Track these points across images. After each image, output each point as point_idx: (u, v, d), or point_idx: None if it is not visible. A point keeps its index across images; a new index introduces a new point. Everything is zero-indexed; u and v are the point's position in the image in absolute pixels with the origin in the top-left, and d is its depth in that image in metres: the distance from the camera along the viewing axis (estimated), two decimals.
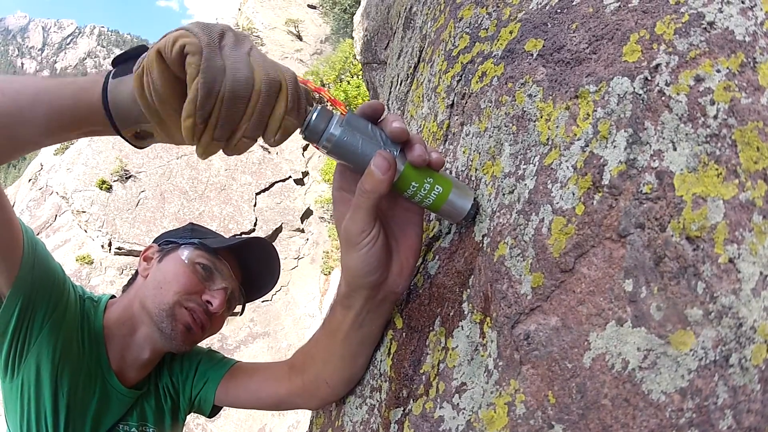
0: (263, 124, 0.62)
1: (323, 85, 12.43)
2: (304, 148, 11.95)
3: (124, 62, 0.66)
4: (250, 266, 1.17)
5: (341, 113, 0.66)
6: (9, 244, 0.87)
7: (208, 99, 0.57)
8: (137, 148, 0.71)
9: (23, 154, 0.72)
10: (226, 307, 1.09)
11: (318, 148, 0.66)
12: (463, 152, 0.77)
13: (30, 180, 11.74)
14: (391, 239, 0.73)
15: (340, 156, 0.66)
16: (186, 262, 1.06)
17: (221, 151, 0.64)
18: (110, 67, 0.67)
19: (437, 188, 0.66)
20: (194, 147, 0.62)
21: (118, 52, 0.71)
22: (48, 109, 0.65)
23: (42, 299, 0.93)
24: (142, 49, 0.65)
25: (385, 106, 0.70)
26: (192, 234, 1.18)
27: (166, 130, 0.64)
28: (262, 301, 9.22)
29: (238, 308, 1.18)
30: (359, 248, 0.68)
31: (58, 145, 11.35)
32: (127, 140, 0.68)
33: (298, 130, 0.66)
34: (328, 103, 0.70)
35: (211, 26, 0.60)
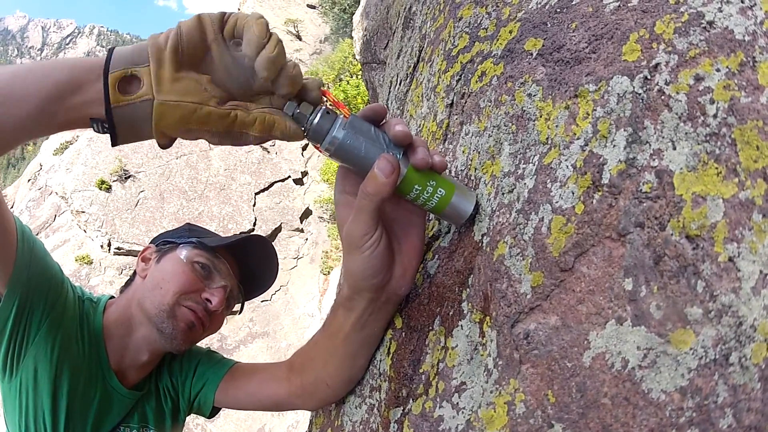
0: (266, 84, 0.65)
1: (323, 85, 12.43)
2: (303, 148, 11.95)
3: None
4: (248, 264, 1.17)
5: (344, 116, 0.66)
6: (2, 242, 0.86)
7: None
8: (115, 102, 0.64)
9: (18, 145, 0.69)
10: (226, 305, 1.09)
11: (321, 151, 0.67)
12: (463, 152, 0.77)
13: (29, 180, 11.74)
14: (393, 241, 0.73)
15: (342, 159, 0.66)
16: (184, 261, 1.06)
17: (226, 137, 0.67)
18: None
19: (440, 191, 0.66)
20: (194, 150, 0.63)
21: None
22: (42, 78, 0.63)
23: (39, 298, 0.93)
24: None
25: (387, 109, 0.70)
26: (189, 234, 1.18)
27: (159, 73, 0.63)
28: (262, 301, 9.22)
29: (237, 307, 1.18)
30: (362, 251, 0.68)
31: (57, 145, 11.36)
32: (108, 93, 0.63)
33: (302, 131, 0.66)
34: (330, 104, 0.70)
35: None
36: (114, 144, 0.67)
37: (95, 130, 0.65)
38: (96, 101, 0.63)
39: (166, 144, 0.67)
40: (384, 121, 0.68)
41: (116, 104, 0.63)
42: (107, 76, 0.62)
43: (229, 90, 0.66)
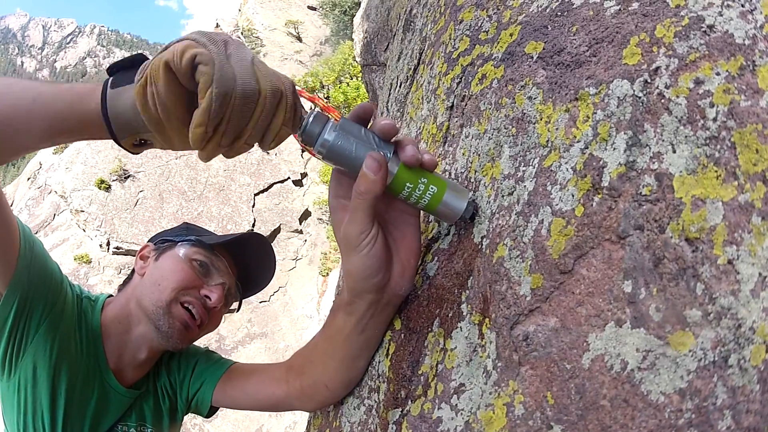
0: (264, 129, 0.64)
1: (323, 87, 12.44)
2: (303, 150, 11.95)
3: (120, 71, 0.67)
4: (246, 262, 1.17)
5: (335, 119, 0.68)
6: (5, 243, 0.86)
7: (221, 108, 0.58)
8: (133, 153, 0.72)
9: (19, 157, 0.73)
10: (224, 302, 1.09)
11: (314, 155, 0.68)
12: (463, 154, 0.77)
13: (29, 179, 11.73)
14: (390, 242, 0.73)
15: (335, 161, 0.68)
16: (183, 258, 1.06)
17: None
18: (106, 75, 0.68)
19: (432, 188, 0.67)
20: (194, 151, 0.64)
21: (118, 51, 0.73)
22: (45, 117, 0.66)
23: (39, 298, 0.93)
24: (140, 58, 0.66)
25: (375, 107, 0.71)
26: (188, 232, 1.18)
27: (167, 138, 0.65)
28: (260, 302, 9.21)
29: (235, 305, 1.19)
30: (359, 250, 0.68)
31: None
32: (124, 148, 0.69)
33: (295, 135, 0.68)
34: (322, 110, 0.71)
35: (214, 35, 0.61)
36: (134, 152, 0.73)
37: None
38: (105, 136, 0.68)
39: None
40: (373, 118, 0.69)
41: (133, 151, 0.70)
42: (118, 141, 0.67)
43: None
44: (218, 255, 1.10)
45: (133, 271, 1.15)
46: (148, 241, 1.19)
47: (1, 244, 0.86)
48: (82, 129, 0.68)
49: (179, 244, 1.10)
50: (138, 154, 0.72)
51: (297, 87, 0.67)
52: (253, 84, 0.60)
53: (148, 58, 0.65)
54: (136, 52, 0.69)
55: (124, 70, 0.66)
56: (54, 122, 0.67)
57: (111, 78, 0.66)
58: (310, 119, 0.66)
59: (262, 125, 0.63)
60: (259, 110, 0.61)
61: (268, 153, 11.32)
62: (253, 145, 0.65)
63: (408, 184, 0.67)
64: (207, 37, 0.60)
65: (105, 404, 1.04)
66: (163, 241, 1.14)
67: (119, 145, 0.68)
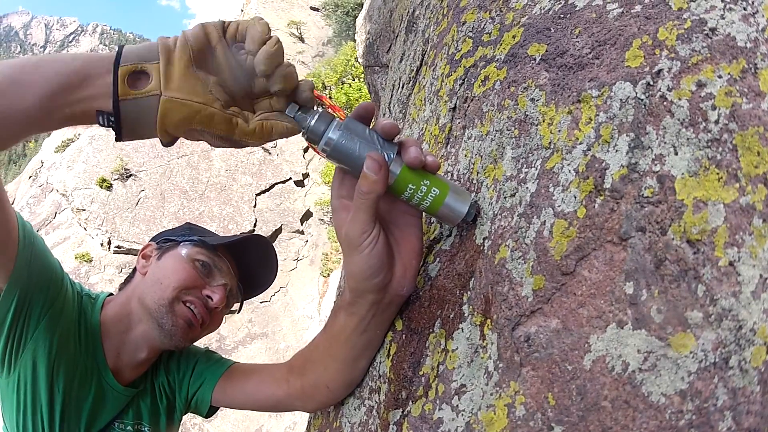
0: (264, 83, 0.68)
1: (325, 88, 12.45)
2: (305, 150, 11.96)
3: None
4: (248, 263, 1.17)
5: (340, 118, 0.69)
6: (3, 239, 0.86)
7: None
8: (123, 95, 0.65)
9: (18, 133, 0.68)
10: (225, 303, 1.09)
11: (318, 152, 0.69)
12: (465, 155, 0.77)
13: (30, 177, 11.75)
14: (392, 243, 0.73)
15: (339, 159, 0.68)
16: (185, 258, 1.06)
17: (231, 133, 0.69)
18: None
19: (434, 190, 0.67)
20: (191, 142, 0.66)
21: None
22: (51, 68, 0.65)
23: (39, 294, 0.93)
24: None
25: (376, 107, 0.72)
26: (190, 232, 1.18)
27: (168, 70, 0.65)
28: (261, 302, 9.21)
29: (236, 306, 1.19)
30: (361, 250, 0.69)
31: (58, 143, 11.37)
32: (116, 86, 0.64)
33: (301, 132, 0.69)
34: (329, 109, 0.72)
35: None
36: (118, 139, 0.68)
37: (101, 124, 0.66)
38: (104, 95, 0.64)
39: (169, 142, 0.69)
40: (375, 118, 0.70)
41: (124, 97, 0.64)
42: (117, 69, 0.64)
43: (232, 93, 0.68)
44: (221, 256, 1.11)
45: (134, 269, 1.15)
46: (150, 240, 1.19)
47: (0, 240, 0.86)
48: (86, 71, 0.65)
49: (182, 243, 1.10)
50: (127, 96, 0.65)
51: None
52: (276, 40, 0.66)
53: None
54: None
55: None
56: (61, 78, 0.64)
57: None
58: (316, 117, 0.67)
59: (262, 79, 0.67)
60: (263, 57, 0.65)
61: (269, 153, 11.33)
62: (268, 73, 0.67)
63: (410, 186, 0.67)
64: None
65: (102, 402, 1.04)
66: (166, 241, 1.14)
67: (114, 77, 0.64)
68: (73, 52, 0.69)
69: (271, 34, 0.66)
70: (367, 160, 0.65)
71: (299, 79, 0.70)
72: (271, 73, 0.66)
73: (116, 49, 0.67)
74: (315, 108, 0.70)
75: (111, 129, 0.67)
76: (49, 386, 0.95)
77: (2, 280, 0.89)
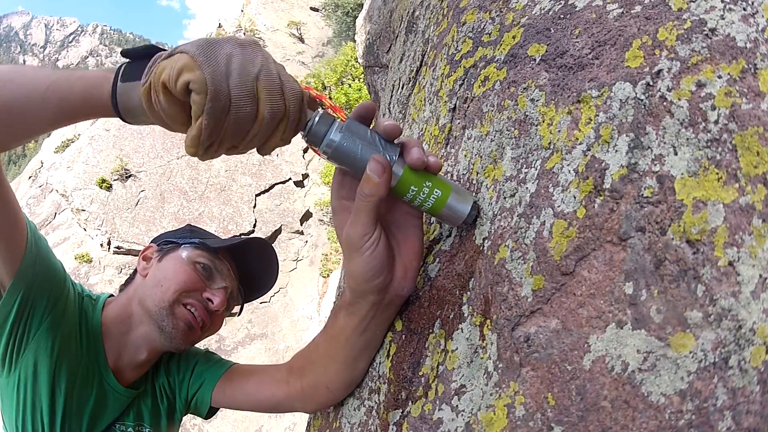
0: (261, 144, 0.65)
1: (324, 88, 12.45)
2: (305, 151, 11.96)
3: (133, 60, 0.68)
4: (249, 267, 1.17)
5: (341, 119, 0.67)
6: (13, 236, 0.87)
7: (211, 134, 0.60)
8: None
9: (29, 140, 0.75)
10: (226, 306, 1.09)
11: (319, 154, 0.68)
12: (465, 156, 0.77)
13: (30, 177, 11.76)
14: (392, 243, 0.73)
15: (340, 161, 0.68)
16: (186, 260, 1.06)
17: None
18: (120, 59, 0.69)
19: (436, 192, 0.67)
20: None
21: (120, 51, 0.72)
22: (59, 102, 0.69)
23: (42, 294, 0.93)
24: (152, 49, 0.66)
25: (377, 107, 0.71)
26: (191, 234, 1.18)
27: (174, 130, 0.66)
28: (261, 303, 9.21)
29: (236, 308, 1.19)
30: (362, 251, 0.68)
31: (58, 143, 11.38)
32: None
33: (300, 134, 0.68)
34: (329, 110, 0.71)
35: (218, 49, 0.60)
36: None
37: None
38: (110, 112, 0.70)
39: None
40: (375, 118, 0.69)
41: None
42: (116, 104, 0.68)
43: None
44: (221, 259, 1.11)
45: (135, 271, 1.15)
46: (151, 242, 1.19)
47: (9, 238, 0.86)
48: (94, 114, 0.71)
49: (183, 246, 1.10)
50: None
51: (307, 84, 0.68)
52: (249, 109, 0.60)
53: (160, 49, 0.66)
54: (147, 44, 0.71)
55: (136, 61, 0.67)
56: (66, 109, 0.69)
57: (122, 69, 0.67)
58: (316, 119, 0.66)
59: (258, 142, 0.64)
60: (254, 131, 0.62)
61: (270, 153, 11.34)
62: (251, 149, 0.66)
63: (413, 187, 0.67)
64: (208, 53, 0.59)
65: (103, 403, 1.04)
66: (167, 243, 1.14)
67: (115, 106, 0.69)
68: (74, 82, 0.70)
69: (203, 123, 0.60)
70: (371, 163, 0.64)
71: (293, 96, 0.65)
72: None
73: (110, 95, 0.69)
74: (316, 109, 0.69)
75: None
76: (50, 387, 0.95)
77: (7, 277, 0.89)
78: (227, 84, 0.59)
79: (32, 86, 0.69)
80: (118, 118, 0.69)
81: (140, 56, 0.67)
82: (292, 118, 0.63)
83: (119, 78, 0.66)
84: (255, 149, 0.67)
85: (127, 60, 0.69)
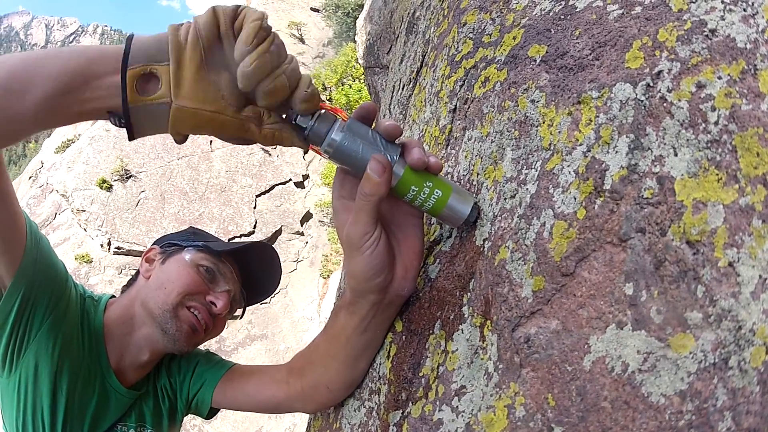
0: (297, 77, 0.64)
1: (325, 89, 12.46)
2: (305, 151, 11.95)
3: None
4: (252, 270, 1.17)
5: (342, 119, 0.68)
6: (13, 235, 0.87)
7: (263, 32, 0.61)
8: (133, 102, 0.63)
9: (26, 130, 0.66)
10: (229, 309, 1.10)
11: (320, 154, 0.68)
12: (465, 157, 0.77)
13: (30, 177, 11.76)
14: (393, 242, 0.73)
15: (341, 161, 0.68)
16: (189, 263, 1.07)
17: (232, 136, 0.68)
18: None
19: (437, 192, 0.67)
20: (191, 143, 0.65)
21: None
22: (56, 62, 0.63)
23: (43, 294, 0.93)
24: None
25: (378, 107, 0.71)
26: (194, 237, 1.18)
27: (178, 74, 0.62)
28: (261, 304, 9.18)
29: (239, 312, 1.19)
30: (362, 251, 0.69)
31: (58, 144, 11.38)
32: (125, 90, 0.62)
33: (301, 134, 0.68)
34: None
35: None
36: (131, 139, 0.67)
37: (113, 123, 0.65)
38: (113, 95, 0.63)
39: (181, 141, 0.68)
40: (376, 119, 0.69)
41: (134, 104, 0.62)
42: (125, 71, 0.62)
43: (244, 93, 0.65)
44: (225, 262, 1.11)
45: (137, 272, 1.16)
46: (154, 244, 1.19)
47: (8, 237, 0.86)
48: (93, 71, 0.63)
49: (186, 248, 1.10)
50: (136, 102, 0.64)
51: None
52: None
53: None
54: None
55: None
56: (64, 71, 0.62)
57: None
58: (317, 118, 0.66)
59: (291, 75, 0.63)
60: (288, 60, 0.63)
61: (269, 154, 11.34)
62: (287, 92, 0.64)
63: (413, 187, 0.67)
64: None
65: (105, 404, 1.04)
66: (170, 245, 1.14)
67: (122, 80, 0.62)
68: (79, 47, 0.65)
69: (259, 41, 0.60)
70: (371, 162, 0.64)
71: (296, 85, 0.64)
72: (253, 89, 0.62)
73: (124, 44, 0.63)
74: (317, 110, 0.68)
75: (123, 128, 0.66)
76: (51, 388, 0.95)
77: (8, 277, 0.89)
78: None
79: (26, 56, 0.64)
80: (116, 66, 0.63)
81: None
82: (276, 84, 0.62)
83: (132, 39, 0.64)
84: (257, 145, 0.67)
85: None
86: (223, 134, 0.67)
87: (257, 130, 0.66)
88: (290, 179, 11.46)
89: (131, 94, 0.62)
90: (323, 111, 0.67)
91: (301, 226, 10.90)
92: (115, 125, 0.65)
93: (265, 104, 0.64)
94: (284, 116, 0.68)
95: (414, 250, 0.74)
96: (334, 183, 0.74)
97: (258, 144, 0.70)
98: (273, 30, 0.62)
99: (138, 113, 0.63)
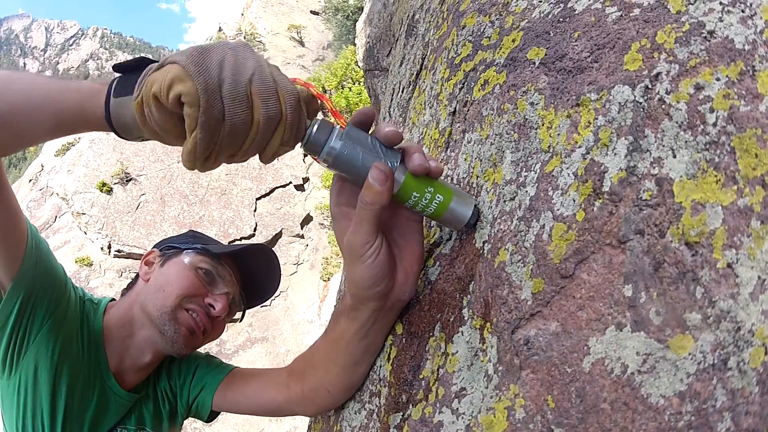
0: (260, 150, 0.63)
1: (325, 92, 12.47)
2: (305, 155, 11.96)
3: (125, 73, 0.67)
4: (251, 272, 1.18)
5: (341, 126, 0.66)
6: (13, 239, 0.87)
7: (207, 148, 0.59)
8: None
9: (24, 148, 0.75)
10: (227, 312, 1.10)
11: (318, 162, 0.67)
12: (465, 159, 0.77)
13: (30, 180, 11.76)
14: (393, 248, 0.73)
15: (340, 169, 0.67)
16: (188, 266, 1.07)
17: None
18: (112, 74, 0.69)
19: (438, 197, 0.67)
20: None
21: (120, 54, 0.73)
22: (55, 112, 0.68)
23: (43, 297, 0.93)
24: (143, 62, 0.65)
25: (376, 112, 0.71)
26: (194, 240, 1.19)
27: (170, 143, 0.65)
28: (261, 306, 9.19)
29: (238, 314, 1.19)
30: (363, 260, 0.68)
31: (58, 147, 11.40)
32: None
33: (299, 144, 0.66)
34: (329, 114, 0.70)
35: (209, 57, 0.58)
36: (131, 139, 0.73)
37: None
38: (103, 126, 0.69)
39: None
40: (374, 124, 0.69)
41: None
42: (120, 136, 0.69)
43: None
44: (224, 264, 1.11)
45: (137, 275, 1.16)
46: (154, 247, 1.19)
47: (8, 240, 0.86)
48: (88, 127, 0.70)
49: (185, 251, 1.10)
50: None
51: (308, 82, 0.65)
52: (244, 116, 0.58)
53: (152, 61, 0.65)
54: (138, 56, 0.69)
55: (128, 74, 0.66)
56: (61, 119, 0.69)
57: (115, 83, 0.66)
58: (315, 129, 0.64)
59: (256, 149, 0.62)
60: (251, 138, 0.60)
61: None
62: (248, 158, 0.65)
63: (414, 194, 0.67)
64: (199, 60, 0.57)
65: (105, 407, 1.04)
66: (169, 248, 1.15)
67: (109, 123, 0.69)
68: (69, 93, 0.70)
69: (191, 129, 0.59)
70: (373, 170, 0.63)
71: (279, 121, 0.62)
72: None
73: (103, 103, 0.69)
74: (315, 117, 0.67)
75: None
76: (51, 390, 0.95)
77: (8, 279, 0.89)
78: (220, 93, 0.57)
79: (28, 95, 0.68)
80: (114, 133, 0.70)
81: (132, 69, 0.66)
82: (290, 120, 0.61)
83: (112, 93, 0.66)
84: (257, 156, 0.66)
85: (119, 75, 0.67)
86: None
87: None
88: (290, 182, 11.46)
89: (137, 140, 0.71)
90: (320, 119, 0.66)
91: (302, 228, 10.89)
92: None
93: (282, 153, 0.65)
94: None
95: (414, 256, 0.74)
96: (331, 190, 0.73)
97: None
98: (195, 101, 0.57)
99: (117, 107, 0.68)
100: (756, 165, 0.42)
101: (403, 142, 0.68)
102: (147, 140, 0.69)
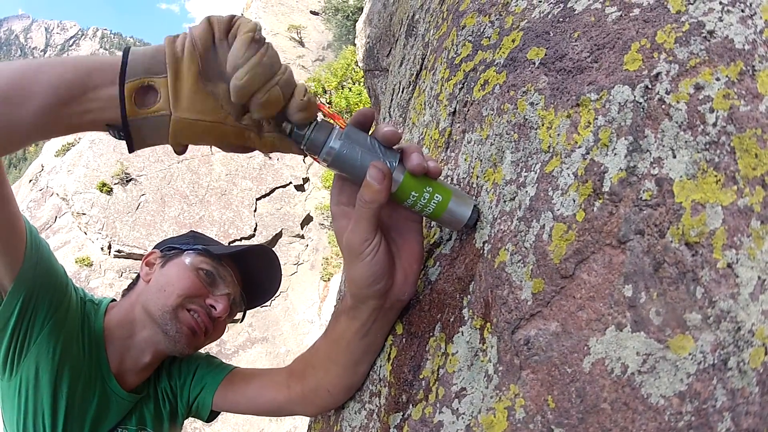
0: (286, 100, 0.63)
1: (325, 92, 12.47)
2: (305, 155, 11.95)
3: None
4: (252, 273, 1.18)
5: (340, 127, 0.67)
6: (13, 239, 0.87)
7: (254, 46, 0.60)
8: (132, 115, 0.63)
9: (24, 140, 0.66)
10: (228, 312, 1.10)
11: (318, 161, 0.67)
12: (465, 159, 0.77)
13: (30, 181, 11.77)
14: (393, 248, 0.73)
15: (340, 168, 0.67)
16: (189, 267, 1.07)
17: (232, 143, 0.67)
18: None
19: (437, 197, 0.67)
20: (194, 147, 0.64)
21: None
22: (52, 76, 0.62)
23: (44, 297, 0.93)
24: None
25: (376, 112, 0.71)
26: (195, 241, 1.19)
27: (177, 86, 0.62)
28: (261, 307, 9.19)
29: (239, 315, 1.19)
30: (362, 258, 0.68)
31: (59, 147, 11.40)
32: (123, 103, 0.62)
33: (298, 144, 0.67)
34: (327, 118, 0.71)
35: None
36: (131, 150, 0.67)
37: (112, 135, 0.65)
38: (111, 107, 0.62)
39: (181, 151, 0.68)
40: (374, 124, 0.69)
41: (133, 117, 0.62)
42: (123, 84, 0.61)
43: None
44: (225, 265, 1.11)
45: (138, 276, 1.16)
46: (154, 248, 1.19)
47: (8, 241, 0.86)
48: (90, 82, 0.62)
49: (186, 252, 1.10)
50: (136, 115, 0.63)
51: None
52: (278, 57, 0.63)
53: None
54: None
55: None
56: (61, 82, 0.62)
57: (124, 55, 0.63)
58: (314, 127, 0.65)
59: (288, 80, 0.62)
60: (280, 73, 0.62)
61: (270, 157, 11.34)
62: (279, 105, 0.63)
63: (413, 193, 0.67)
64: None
65: (105, 407, 1.04)
66: (170, 249, 1.15)
67: (121, 89, 0.62)
68: (76, 57, 0.65)
69: (254, 53, 0.59)
70: (371, 169, 0.64)
71: (291, 95, 0.64)
72: (246, 102, 0.62)
73: (121, 56, 0.63)
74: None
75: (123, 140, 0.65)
76: (52, 391, 0.95)
77: (8, 281, 0.89)
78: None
79: (24, 65, 0.64)
80: (113, 78, 0.62)
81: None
82: (269, 97, 0.61)
83: (128, 52, 0.63)
84: (257, 150, 0.67)
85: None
86: (224, 143, 0.67)
87: (257, 138, 0.67)
88: (290, 182, 11.46)
89: (130, 107, 0.62)
90: (320, 119, 0.67)
91: (302, 229, 10.90)
92: (115, 137, 0.65)
93: (259, 116, 0.64)
94: (282, 126, 0.66)
95: (414, 255, 0.74)
96: (332, 189, 0.74)
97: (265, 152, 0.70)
98: (266, 41, 0.61)
99: (137, 126, 0.63)
100: (756, 165, 0.42)
101: (402, 142, 0.68)
102: (144, 95, 0.63)
